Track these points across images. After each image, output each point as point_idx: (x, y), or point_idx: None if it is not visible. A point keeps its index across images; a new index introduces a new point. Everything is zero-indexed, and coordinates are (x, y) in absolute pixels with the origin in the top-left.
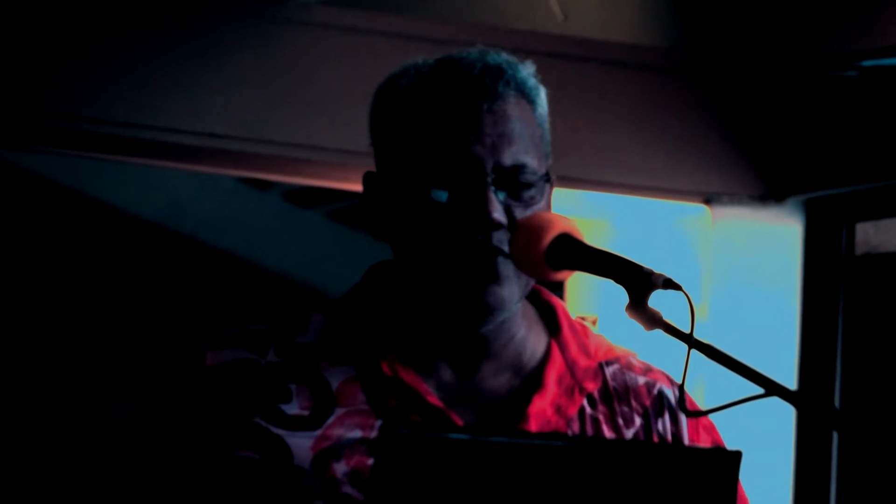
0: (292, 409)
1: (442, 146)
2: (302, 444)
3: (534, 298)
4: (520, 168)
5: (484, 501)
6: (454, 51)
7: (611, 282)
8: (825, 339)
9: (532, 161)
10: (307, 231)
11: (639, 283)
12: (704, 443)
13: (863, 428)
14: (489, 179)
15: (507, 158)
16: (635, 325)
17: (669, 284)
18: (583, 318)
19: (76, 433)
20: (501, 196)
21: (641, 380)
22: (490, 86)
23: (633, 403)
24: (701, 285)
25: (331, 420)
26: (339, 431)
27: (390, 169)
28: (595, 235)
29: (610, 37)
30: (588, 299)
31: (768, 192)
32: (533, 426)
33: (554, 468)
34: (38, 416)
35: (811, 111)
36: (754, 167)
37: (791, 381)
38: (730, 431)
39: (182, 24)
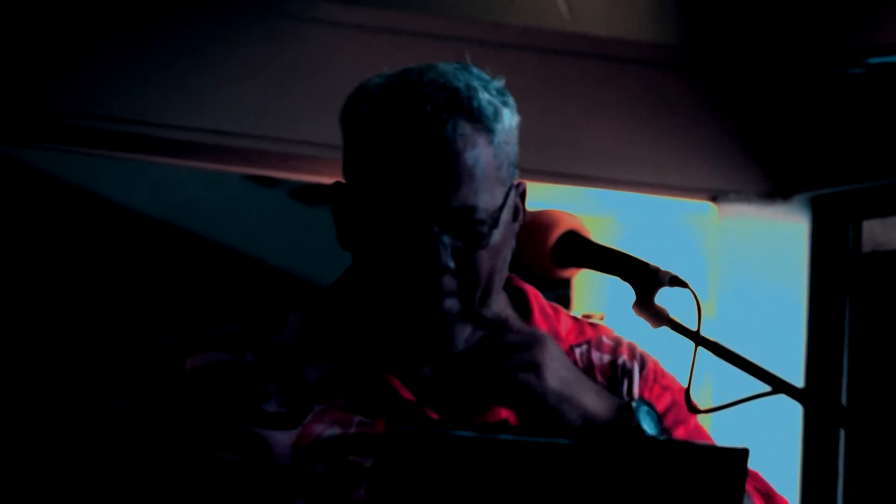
0: (271, 407)
1: (390, 185)
2: (282, 443)
3: (506, 286)
4: (468, 211)
5: (488, 499)
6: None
7: (617, 279)
8: (832, 336)
9: (483, 199)
10: (314, 228)
11: (645, 280)
12: (662, 403)
13: (870, 425)
14: (435, 226)
15: (455, 202)
16: (642, 323)
17: (676, 282)
18: (589, 316)
19: (81, 429)
20: (447, 240)
21: (606, 357)
22: (439, 128)
23: (599, 379)
24: (707, 283)
25: (309, 418)
26: (318, 428)
27: (352, 185)
28: (601, 233)
29: (616, 33)
30: (595, 297)
31: (775, 190)
32: (503, 410)
33: (559, 466)
34: (44, 412)
35: (818, 108)
36: (761, 164)
37: (798, 379)
38: (737, 429)
39: (189, 20)
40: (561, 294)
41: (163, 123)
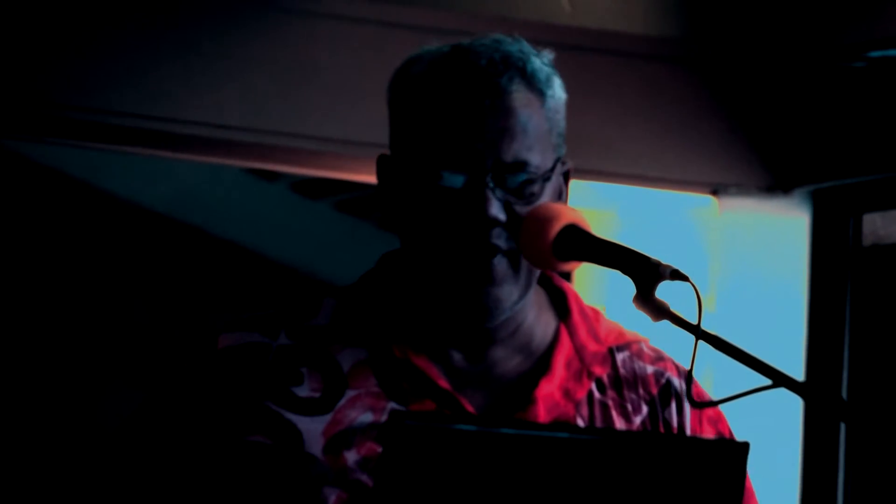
0: (303, 391)
1: (444, 141)
2: (313, 430)
3: (545, 284)
4: (520, 165)
5: (491, 492)
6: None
7: (618, 273)
8: (833, 330)
9: (535, 157)
10: (315, 222)
11: (646, 274)
12: (707, 433)
13: (870, 419)
14: (488, 177)
15: (508, 155)
16: (642, 316)
17: (676, 275)
18: None
19: (82, 423)
20: (500, 193)
21: (650, 368)
22: (495, 80)
23: (641, 391)
24: (708, 276)
25: (342, 402)
26: (350, 414)
27: (400, 154)
28: (602, 226)
29: (617, 27)
30: (595, 290)
31: (775, 183)
32: (541, 409)
33: (561, 459)
34: (46, 405)
35: (818, 102)
36: (761, 158)
37: (798, 373)
38: (737, 422)
39: (191, 13)
40: None
41: (164, 117)
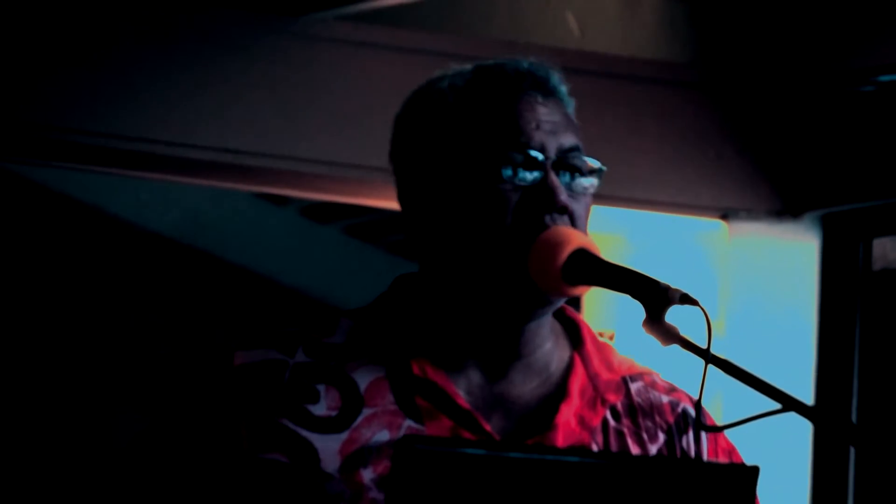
0: (320, 409)
1: (504, 135)
2: (329, 448)
3: (558, 314)
4: (577, 149)
5: None
6: (522, 56)
7: (628, 297)
8: (842, 354)
9: (584, 148)
10: (324, 246)
11: (656, 298)
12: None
13: (880, 443)
14: (551, 164)
15: (566, 141)
16: (652, 341)
17: (686, 300)
18: (600, 334)
19: (89, 446)
20: (564, 181)
21: (665, 398)
22: (541, 77)
23: (658, 419)
24: (718, 301)
25: (358, 420)
26: (366, 433)
27: (438, 169)
28: (611, 251)
29: (626, 52)
30: (605, 314)
31: (785, 208)
32: (560, 435)
33: (570, 484)
34: (54, 427)
35: (828, 126)
36: (771, 182)
37: (808, 397)
38: (746, 447)
39: (198, 38)
40: None
41: (173, 141)
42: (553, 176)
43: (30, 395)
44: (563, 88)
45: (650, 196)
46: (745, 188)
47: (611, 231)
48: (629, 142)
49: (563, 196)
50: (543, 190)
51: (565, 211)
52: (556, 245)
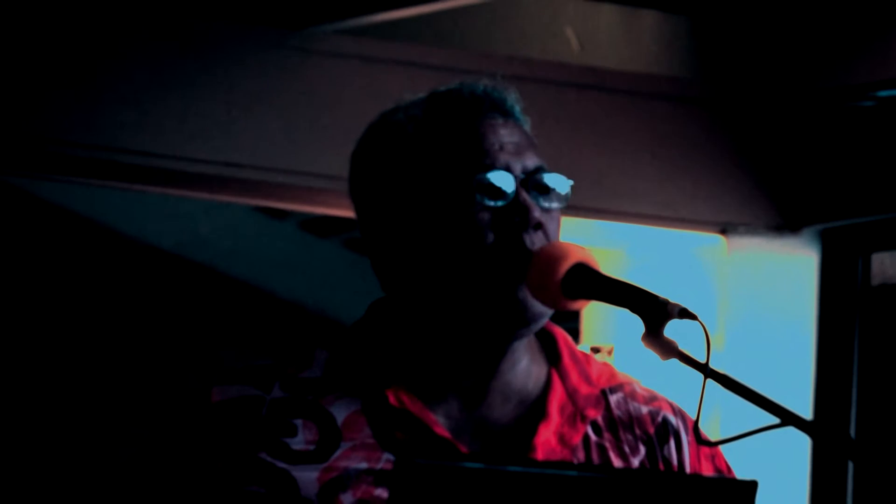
0: (298, 444)
1: (470, 159)
2: (307, 476)
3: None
4: (542, 169)
5: None
6: (476, 79)
7: (627, 311)
8: (841, 369)
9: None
10: (324, 260)
11: (655, 312)
12: (706, 470)
13: (879, 458)
14: (520, 182)
15: (530, 162)
16: (651, 355)
17: (685, 314)
18: (599, 349)
19: (87, 460)
20: (533, 198)
21: (645, 409)
22: (498, 100)
23: (637, 431)
24: (717, 315)
25: (336, 455)
26: (344, 464)
27: (405, 201)
28: (610, 265)
29: (626, 66)
30: (604, 329)
31: (784, 223)
32: (539, 456)
33: (567, 497)
34: (51, 441)
35: (827, 141)
36: (770, 197)
37: (807, 411)
38: (745, 461)
39: (198, 52)
40: (570, 327)
41: (171, 155)
42: (524, 194)
43: (28, 406)
44: (518, 108)
45: (649, 210)
46: (745, 203)
47: (610, 245)
48: (628, 156)
49: (537, 213)
50: (517, 209)
51: (540, 227)
52: (555, 259)
